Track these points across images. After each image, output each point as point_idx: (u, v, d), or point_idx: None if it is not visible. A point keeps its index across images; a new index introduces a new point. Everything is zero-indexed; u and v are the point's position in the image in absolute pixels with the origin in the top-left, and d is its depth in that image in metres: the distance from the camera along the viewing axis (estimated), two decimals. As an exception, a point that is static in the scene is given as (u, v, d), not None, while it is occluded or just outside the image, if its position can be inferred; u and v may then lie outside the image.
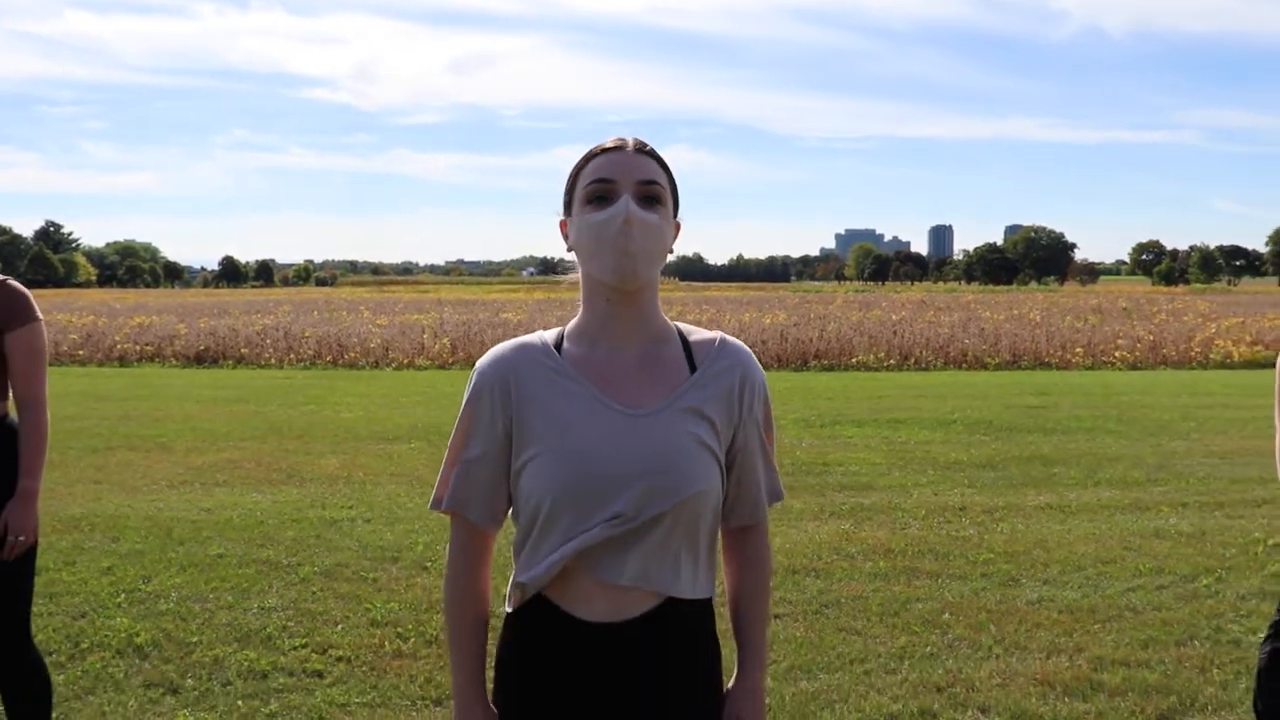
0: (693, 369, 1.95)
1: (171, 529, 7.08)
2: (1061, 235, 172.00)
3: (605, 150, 1.95)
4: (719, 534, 2.02)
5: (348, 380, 18.55)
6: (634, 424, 1.88)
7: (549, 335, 1.99)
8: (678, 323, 2.03)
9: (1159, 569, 6.14)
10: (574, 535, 1.86)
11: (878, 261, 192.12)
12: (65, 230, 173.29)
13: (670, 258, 2.01)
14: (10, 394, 3.43)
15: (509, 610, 1.97)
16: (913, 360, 22.39)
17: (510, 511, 1.98)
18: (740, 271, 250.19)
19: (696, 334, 2.01)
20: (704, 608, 1.97)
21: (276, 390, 16.90)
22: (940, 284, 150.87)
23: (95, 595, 5.64)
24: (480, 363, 1.97)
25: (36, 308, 3.49)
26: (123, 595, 5.63)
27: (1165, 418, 12.72)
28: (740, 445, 1.97)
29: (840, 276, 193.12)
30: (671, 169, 2.00)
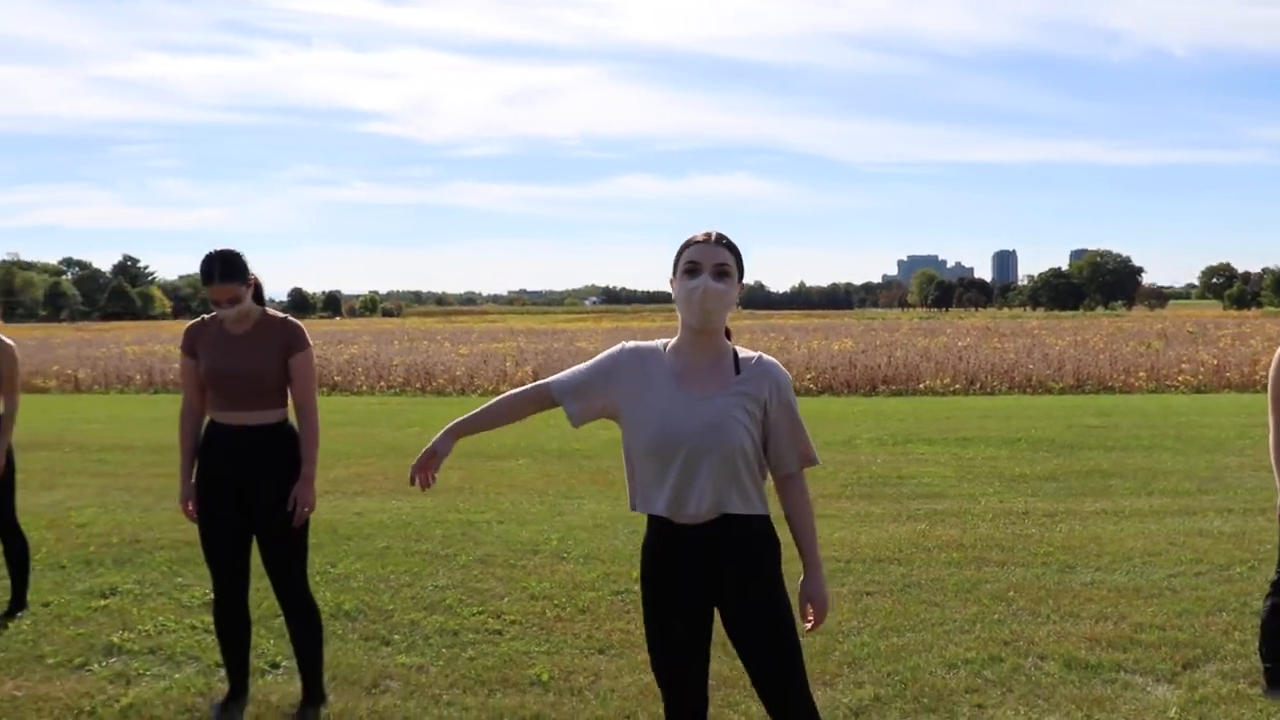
0: (737, 373, 3.10)
1: (335, 528, 8.23)
2: (1128, 259, 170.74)
3: (697, 242, 3.10)
4: (758, 478, 3.12)
5: (441, 405, 19.75)
6: (695, 404, 3.05)
7: (663, 343, 3.21)
8: (735, 346, 3.16)
9: (1199, 559, 7.04)
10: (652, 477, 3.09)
11: (941, 288, 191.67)
12: (141, 264, 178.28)
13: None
14: (289, 403, 4.59)
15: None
16: (978, 385, 23.18)
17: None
18: (802, 299, 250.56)
19: (744, 353, 3.15)
20: (752, 520, 3.10)
21: (376, 414, 18.15)
22: (1005, 310, 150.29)
23: (293, 577, 6.78)
24: (626, 344, 3.21)
25: (308, 337, 4.64)
26: (318, 575, 6.76)
27: (1221, 436, 13.46)
28: (773, 421, 3.11)
29: (903, 303, 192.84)
30: (740, 249, 3.18)
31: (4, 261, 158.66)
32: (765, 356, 3.16)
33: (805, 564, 3.20)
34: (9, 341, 6.18)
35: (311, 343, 4.67)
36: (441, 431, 3.28)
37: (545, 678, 4.98)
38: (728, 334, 3.17)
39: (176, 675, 5.10)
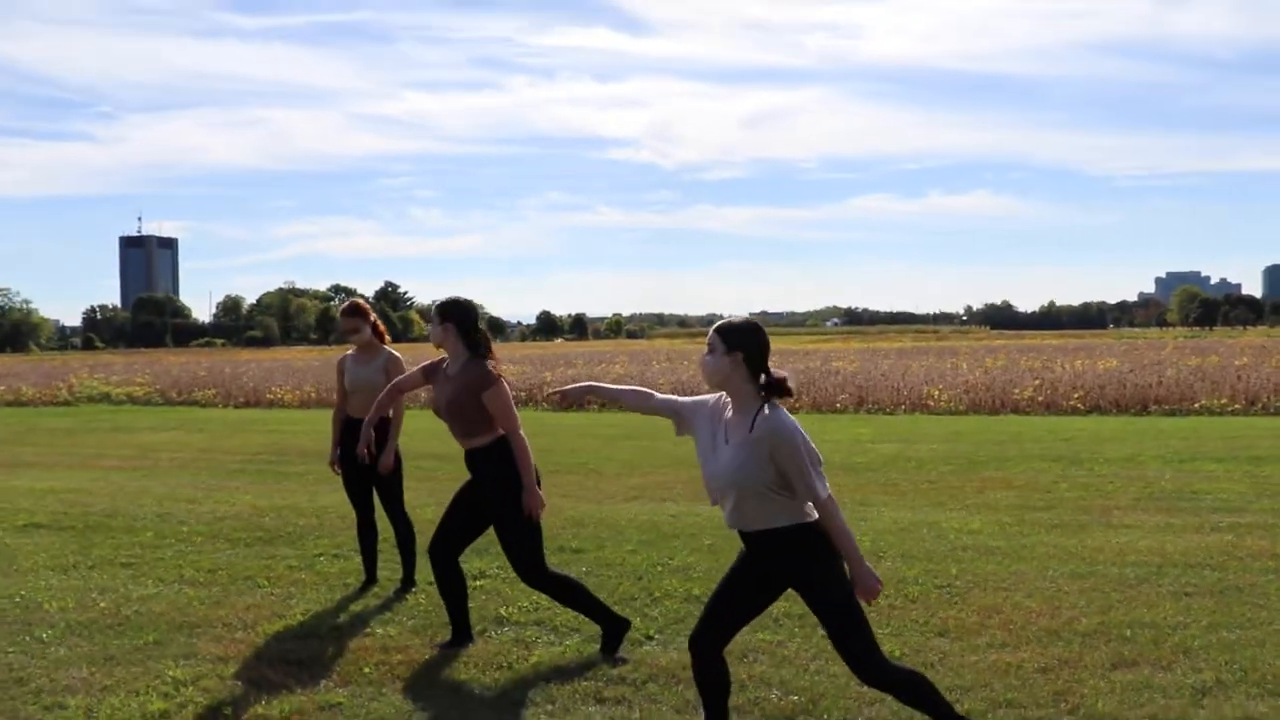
0: (751, 430, 4.01)
1: (659, 527, 9.00)
2: None
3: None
4: (781, 501, 4.03)
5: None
6: (724, 451, 4.08)
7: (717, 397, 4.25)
8: (766, 404, 4.06)
9: None
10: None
11: (1204, 305, 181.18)
12: (401, 290, 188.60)
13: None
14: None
15: None
16: (1259, 405, 22.27)
17: None
18: (1051, 319, 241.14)
19: (765, 411, 4.04)
20: (785, 531, 4.06)
21: (653, 429, 19.04)
22: (1278, 328, 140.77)
23: (637, 566, 7.57)
24: (715, 397, 4.23)
25: (493, 374, 5.68)
26: (660, 565, 7.53)
27: None
28: (779, 464, 3.97)
29: (1162, 322, 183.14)
30: (732, 330, 4.12)
31: (280, 290, 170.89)
32: (772, 414, 4.02)
33: (849, 563, 4.10)
34: (397, 354, 7.22)
35: (499, 376, 5.86)
36: (581, 384, 4.57)
37: (897, 653, 5.52)
38: (775, 389, 4.07)
39: (567, 642, 5.90)
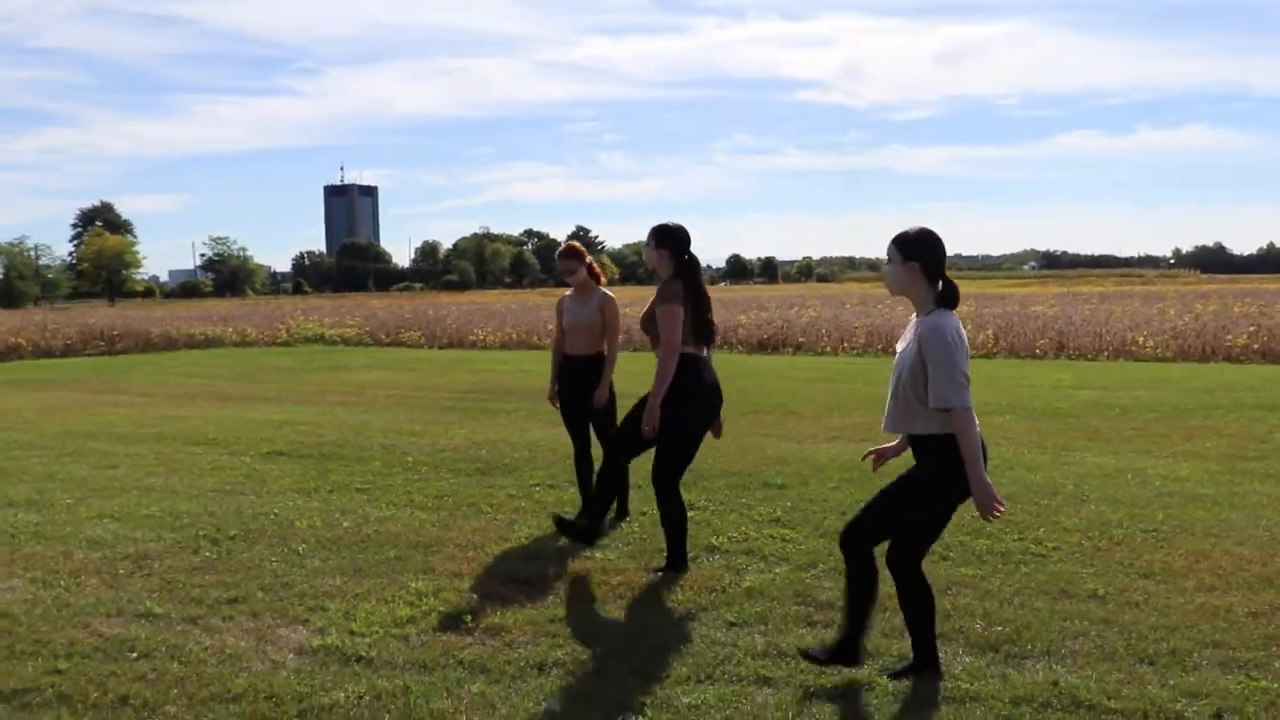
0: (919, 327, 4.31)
1: (860, 466, 9.19)
2: None
3: None
4: (920, 410, 4.29)
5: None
6: (900, 351, 4.43)
7: None
8: (931, 308, 4.34)
9: None
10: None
11: None
12: (592, 234, 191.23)
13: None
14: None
15: None
16: None
17: None
18: (1272, 261, 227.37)
19: (933, 312, 4.32)
20: (930, 439, 4.30)
21: (849, 372, 19.12)
22: None
23: (840, 502, 7.78)
24: None
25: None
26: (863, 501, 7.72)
27: None
28: (925, 359, 4.21)
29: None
30: (909, 245, 4.46)
31: (475, 235, 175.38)
32: (937, 313, 4.30)
33: (967, 470, 4.23)
34: (611, 294, 7.58)
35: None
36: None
37: (1101, 592, 5.62)
38: (948, 297, 4.33)
39: (776, 570, 6.19)
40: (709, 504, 7.88)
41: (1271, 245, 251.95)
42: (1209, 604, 5.44)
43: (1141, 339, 23.44)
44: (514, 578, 6.12)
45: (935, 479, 4.36)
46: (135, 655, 4.94)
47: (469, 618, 5.38)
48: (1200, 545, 6.54)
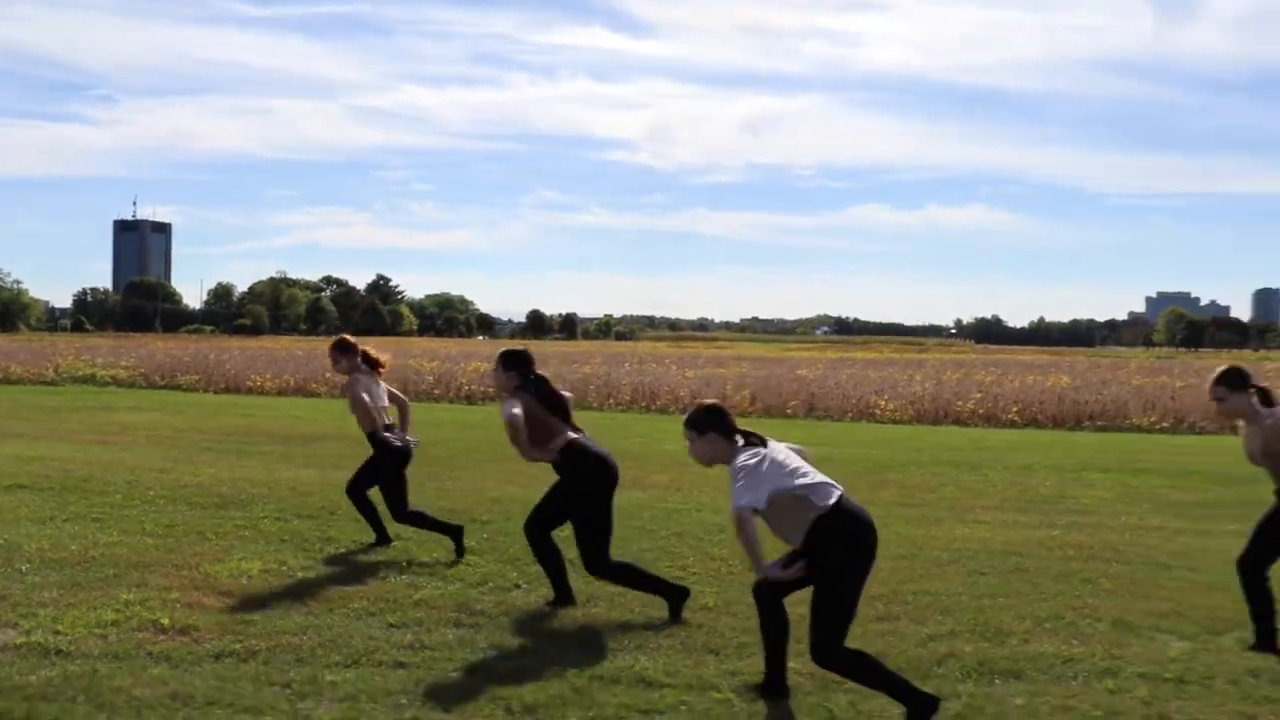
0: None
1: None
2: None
3: None
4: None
5: (665, 421, 21.79)
6: None
7: None
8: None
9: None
10: None
11: (1190, 326, 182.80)
12: (393, 284, 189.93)
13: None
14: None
15: None
16: (1186, 424, 23.58)
17: None
18: (1041, 335, 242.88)
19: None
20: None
21: (604, 427, 20.32)
22: (1260, 352, 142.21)
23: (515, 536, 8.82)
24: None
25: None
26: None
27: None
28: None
29: (1148, 342, 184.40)
30: (697, 420, 5.18)
31: (272, 279, 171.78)
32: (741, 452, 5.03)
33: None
34: (359, 377, 8.44)
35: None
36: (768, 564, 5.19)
37: (712, 604, 6.81)
38: (750, 439, 5.11)
39: (451, 586, 7.16)
40: (413, 536, 8.72)
41: (1042, 319, 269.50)
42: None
43: (883, 403, 25.54)
44: (217, 589, 6.93)
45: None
46: None
47: (166, 620, 6.17)
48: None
